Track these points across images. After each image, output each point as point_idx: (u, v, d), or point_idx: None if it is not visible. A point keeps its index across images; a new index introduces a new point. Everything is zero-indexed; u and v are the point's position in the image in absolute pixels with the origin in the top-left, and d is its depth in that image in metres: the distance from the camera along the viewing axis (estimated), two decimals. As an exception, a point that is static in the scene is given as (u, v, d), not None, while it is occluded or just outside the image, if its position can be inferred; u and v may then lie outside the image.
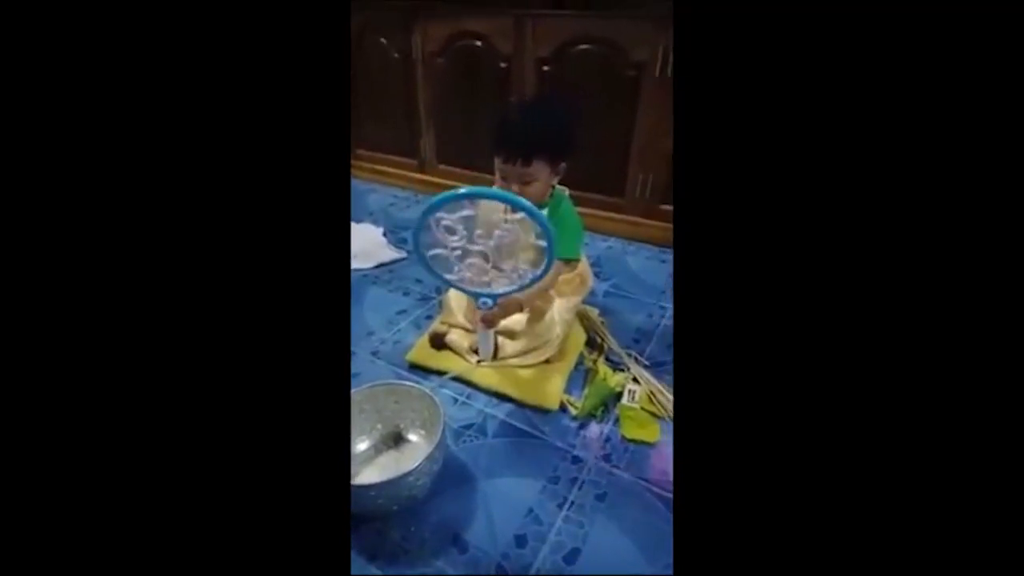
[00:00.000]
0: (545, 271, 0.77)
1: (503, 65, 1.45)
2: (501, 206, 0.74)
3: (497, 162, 0.84)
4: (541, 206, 0.83)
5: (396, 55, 1.62)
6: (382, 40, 1.63)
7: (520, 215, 0.71)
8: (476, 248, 0.78)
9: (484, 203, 0.77)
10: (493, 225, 0.76)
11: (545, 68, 1.39)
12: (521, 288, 0.81)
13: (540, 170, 0.83)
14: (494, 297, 0.84)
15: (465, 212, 0.74)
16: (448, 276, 0.83)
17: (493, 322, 0.91)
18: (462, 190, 0.72)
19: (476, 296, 0.85)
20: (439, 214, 0.75)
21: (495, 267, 0.80)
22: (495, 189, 0.74)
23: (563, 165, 0.87)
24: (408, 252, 1.38)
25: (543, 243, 0.74)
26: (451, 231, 0.77)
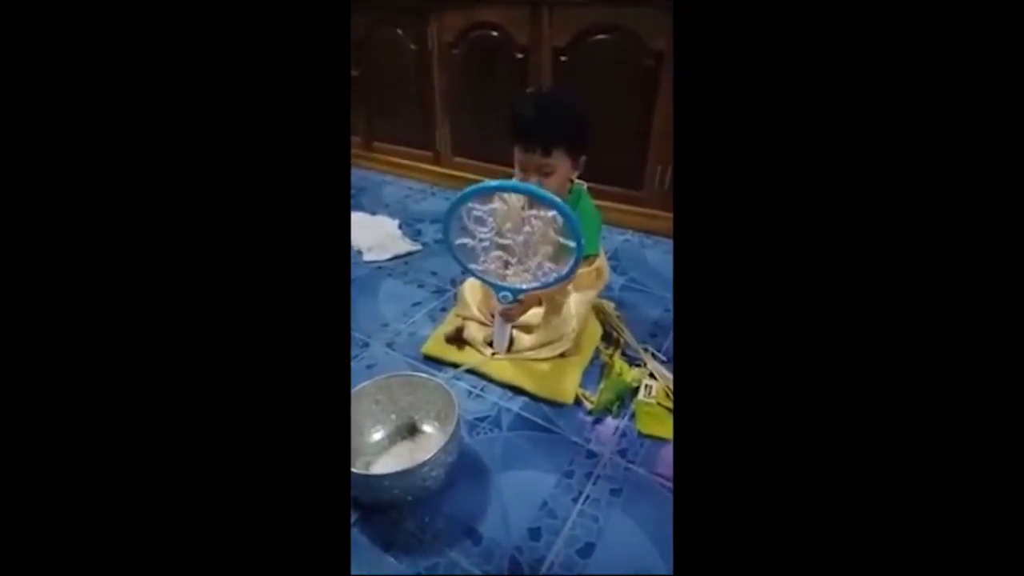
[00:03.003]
0: (570, 272, 0.76)
1: (519, 56, 1.43)
2: (526, 201, 0.73)
3: (516, 152, 0.83)
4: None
5: (412, 46, 1.62)
6: (397, 31, 1.63)
7: (551, 213, 0.70)
8: (504, 242, 0.78)
9: (512, 198, 0.76)
10: (521, 220, 0.75)
11: (562, 58, 1.37)
12: (545, 287, 0.80)
13: (560, 161, 0.82)
14: (515, 292, 0.83)
15: (495, 204, 0.74)
16: (473, 266, 0.83)
17: (512, 317, 0.90)
18: (495, 183, 0.72)
19: (498, 289, 0.84)
20: (471, 204, 0.75)
21: (520, 262, 0.80)
22: (531, 185, 0.73)
23: (583, 158, 0.86)
24: (423, 244, 1.39)
25: (571, 243, 0.72)
26: (481, 222, 0.77)
